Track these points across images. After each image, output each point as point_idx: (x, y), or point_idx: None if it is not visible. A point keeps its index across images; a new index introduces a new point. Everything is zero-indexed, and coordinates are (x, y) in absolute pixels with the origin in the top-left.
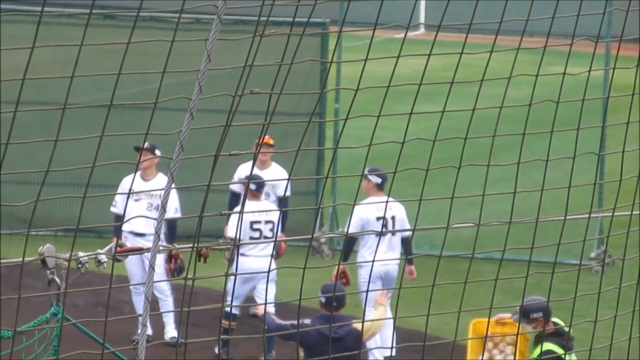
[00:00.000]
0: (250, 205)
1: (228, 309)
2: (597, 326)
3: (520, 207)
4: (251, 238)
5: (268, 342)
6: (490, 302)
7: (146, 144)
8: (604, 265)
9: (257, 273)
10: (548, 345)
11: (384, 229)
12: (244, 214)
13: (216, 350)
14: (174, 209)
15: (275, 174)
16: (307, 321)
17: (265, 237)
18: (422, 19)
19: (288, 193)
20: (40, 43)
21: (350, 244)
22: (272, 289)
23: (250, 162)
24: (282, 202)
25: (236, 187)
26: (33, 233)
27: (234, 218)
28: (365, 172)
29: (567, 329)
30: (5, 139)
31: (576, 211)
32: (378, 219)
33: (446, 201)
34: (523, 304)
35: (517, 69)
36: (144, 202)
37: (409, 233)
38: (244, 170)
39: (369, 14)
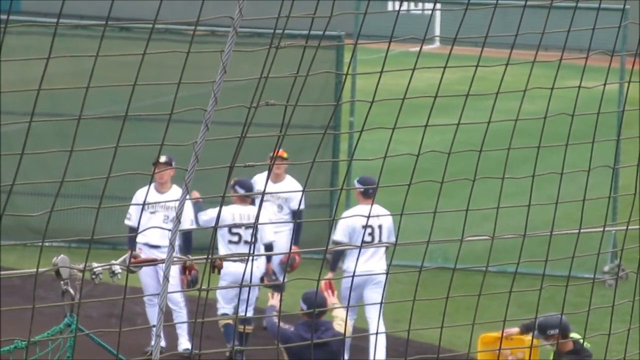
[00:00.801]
0: (235, 208)
1: (222, 310)
2: (611, 339)
3: (534, 221)
4: (229, 242)
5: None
6: (503, 315)
7: (164, 158)
8: (617, 279)
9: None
10: None
11: (370, 237)
12: (223, 219)
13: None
14: (189, 221)
15: (288, 188)
16: (291, 328)
17: (245, 242)
18: (437, 33)
19: (302, 206)
20: (55, 55)
21: (339, 253)
22: (255, 292)
23: (265, 174)
24: (295, 215)
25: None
26: (47, 244)
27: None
28: (355, 181)
29: (582, 341)
30: (20, 150)
31: (590, 225)
32: (364, 227)
33: (460, 215)
34: (540, 321)
35: (532, 83)
36: (160, 214)
37: (392, 241)
38: (258, 181)
39: (384, 27)
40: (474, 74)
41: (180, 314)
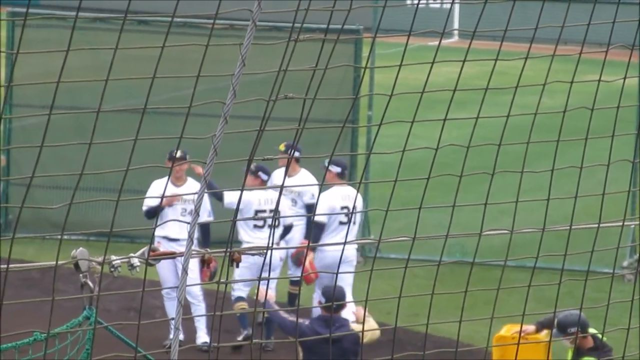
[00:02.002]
0: (259, 192)
1: (239, 292)
2: (629, 335)
3: (552, 216)
4: (255, 226)
5: (267, 328)
6: (522, 310)
7: (179, 153)
8: (636, 274)
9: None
10: None
11: (346, 218)
12: (249, 202)
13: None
14: (207, 213)
15: (303, 181)
16: (306, 322)
17: (269, 226)
18: (456, 27)
19: (314, 200)
20: (74, 47)
21: (319, 231)
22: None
23: (282, 169)
24: (309, 209)
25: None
26: (66, 237)
27: (323, 203)
28: (325, 163)
29: (601, 336)
30: (39, 144)
31: (609, 219)
32: (342, 208)
33: (478, 209)
34: (559, 319)
35: (551, 77)
36: (178, 207)
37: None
38: (276, 176)
39: (402, 21)
40: (493, 68)
41: (199, 308)
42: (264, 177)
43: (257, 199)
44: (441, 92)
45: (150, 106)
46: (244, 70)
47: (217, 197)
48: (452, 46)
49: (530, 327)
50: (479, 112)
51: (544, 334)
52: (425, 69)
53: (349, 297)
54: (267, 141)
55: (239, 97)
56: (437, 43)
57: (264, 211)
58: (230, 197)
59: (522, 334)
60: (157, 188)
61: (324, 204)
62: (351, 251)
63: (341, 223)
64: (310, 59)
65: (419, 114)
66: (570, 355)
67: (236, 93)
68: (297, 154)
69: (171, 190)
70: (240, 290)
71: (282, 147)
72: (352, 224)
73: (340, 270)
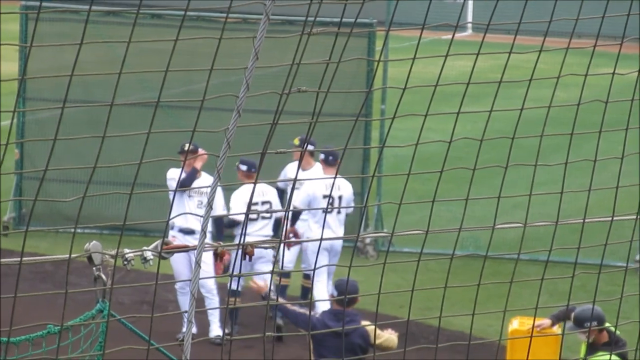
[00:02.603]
0: (247, 187)
1: (233, 285)
2: None
3: (565, 209)
4: (249, 219)
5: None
6: (535, 303)
7: (191, 147)
8: None
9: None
10: (606, 357)
11: (330, 207)
12: (245, 195)
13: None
14: (222, 207)
15: (317, 175)
16: (317, 315)
17: (263, 217)
18: (469, 20)
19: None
20: (88, 42)
21: (296, 216)
22: (268, 269)
23: (296, 163)
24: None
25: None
26: (79, 231)
27: (237, 199)
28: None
29: (614, 330)
30: (52, 137)
31: (622, 213)
32: (325, 197)
33: (492, 203)
34: (576, 312)
35: (565, 71)
36: (194, 199)
37: (351, 211)
38: (289, 170)
39: (415, 15)
40: (507, 61)
41: (213, 301)
42: (243, 167)
43: (255, 192)
44: (455, 85)
45: (163, 100)
46: (257, 64)
47: (229, 225)
48: (466, 40)
49: (546, 322)
50: (493, 106)
51: (557, 328)
52: (439, 62)
53: (326, 288)
54: (280, 135)
55: (253, 91)
56: (450, 36)
57: (256, 204)
58: (236, 217)
59: (538, 329)
60: (175, 174)
61: (304, 191)
62: (339, 242)
63: (324, 212)
64: (323, 52)
65: (432, 107)
66: (584, 349)
67: (249, 86)
68: (311, 147)
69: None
70: (234, 283)
71: (296, 141)
72: (336, 213)
73: (325, 262)
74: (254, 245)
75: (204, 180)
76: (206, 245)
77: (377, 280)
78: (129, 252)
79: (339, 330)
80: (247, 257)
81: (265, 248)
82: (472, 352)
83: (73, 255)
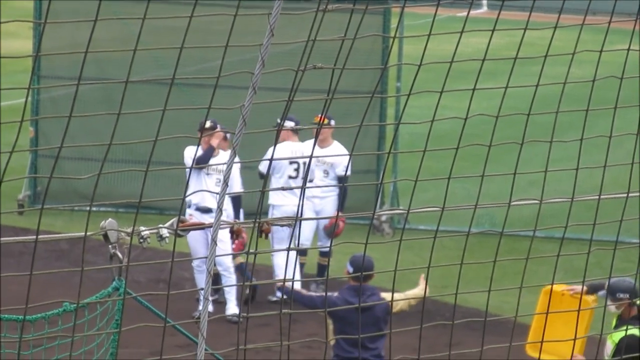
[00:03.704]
0: (289, 144)
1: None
2: None
3: (581, 186)
4: (289, 177)
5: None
6: (551, 280)
7: (209, 123)
8: None
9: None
10: (632, 330)
11: (295, 172)
12: (281, 155)
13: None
14: (239, 185)
15: (336, 152)
16: (335, 294)
17: (303, 178)
18: None
19: (348, 172)
20: (102, 19)
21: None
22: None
23: (312, 140)
24: (341, 181)
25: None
26: (95, 208)
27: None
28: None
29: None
30: (67, 115)
31: (637, 189)
32: (291, 162)
33: (507, 180)
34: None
35: (580, 47)
36: (213, 177)
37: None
38: (308, 147)
39: None
40: (522, 38)
41: (230, 279)
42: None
43: (289, 150)
44: (470, 62)
45: (178, 77)
46: (273, 41)
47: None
48: (481, 17)
49: (580, 288)
50: (508, 83)
51: (592, 300)
52: (454, 39)
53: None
54: (296, 112)
55: (268, 68)
56: (465, 13)
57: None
58: (261, 166)
59: (572, 293)
60: (191, 152)
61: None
62: (330, 202)
63: (290, 177)
64: (338, 29)
65: (447, 84)
66: (614, 323)
67: (265, 63)
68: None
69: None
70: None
71: (317, 119)
72: (301, 179)
73: (310, 230)
74: (270, 222)
75: (224, 157)
76: (222, 223)
77: (393, 258)
78: (144, 230)
79: (362, 305)
80: (264, 235)
81: (282, 226)
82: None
83: (89, 233)
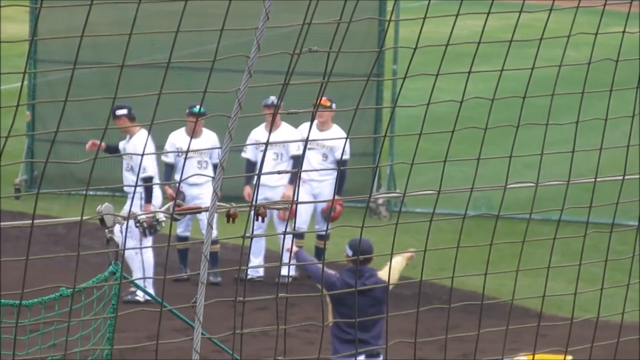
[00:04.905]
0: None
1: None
2: None
3: (577, 168)
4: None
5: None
6: (547, 263)
7: (197, 107)
8: None
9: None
10: None
11: (275, 155)
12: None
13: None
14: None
15: (335, 136)
16: (335, 273)
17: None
18: None
19: (347, 156)
20: (98, 1)
21: (251, 167)
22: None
23: (309, 123)
24: (339, 164)
25: (250, 154)
26: (91, 193)
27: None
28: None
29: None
30: (63, 99)
31: (634, 172)
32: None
33: (504, 163)
34: None
35: (576, 30)
36: (194, 159)
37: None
38: (304, 130)
39: None
40: (517, 20)
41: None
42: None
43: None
44: (466, 45)
45: (174, 61)
46: (268, 24)
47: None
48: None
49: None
50: (504, 65)
51: None
52: (450, 22)
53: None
54: (292, 95)
55: (263, 52)
56: None
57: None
58: (244, 154)
59: None
60: (175, 138)
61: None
62: (326, 185)
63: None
64: (334, 12)
65: (443, 67)
66: None
67: (260, 47)
68: (334, 106)
69: (187, 141)
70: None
71: (326, 103)
72: (279, 161)
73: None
74: (266, 206)
75: (205, 138)
76: (218, 207)
77: (389, 241)
78: (141, 214)
79: (359, 288)
80: (260, 218)
81: (278, 209)
82: (485, 312)
83: (85, 218)
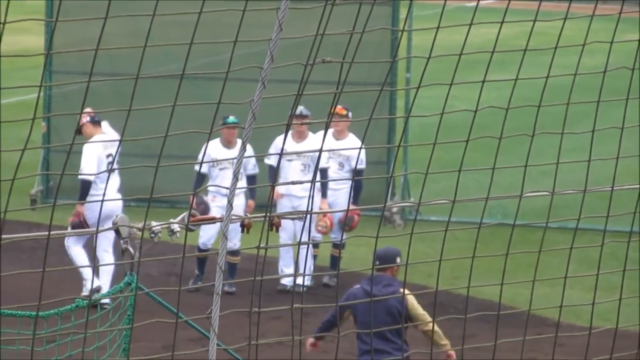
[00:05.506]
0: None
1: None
2: None
3: (593, 176)
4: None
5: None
6: (564, 272)
7: (232, 118)
8: None
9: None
10: None
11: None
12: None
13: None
14: (251, 166)
15: (351, 145)
16: (357, 286)
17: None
18: None
19: (363, 165)
20: (112, 14)
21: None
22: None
23: (323, 132)
24: (356, 174)
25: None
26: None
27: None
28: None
29: None
30: (78, 111)
31: None
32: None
33: (519, 171)
34: None
35: (591, 37)
36: (229, 170)
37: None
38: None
39: None
40: (532, 28)
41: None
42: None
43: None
44: (480, 53)
45: (188, 72)
46: (281, 35)
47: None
48: (490, 7)
49: None
50: (518, 73)
51: None
52: (463, 30)
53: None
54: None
55: (277, 61)
56: (475, 4)
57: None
58: (268, 160)
59: None
60: (210, 150)
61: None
62: (342, 195)
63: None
64: (347, 21)
65: (457, 75)
66: None
67: (274, 57)
68: (350, 115)
69: (223, 152)
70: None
71: (335, 110)
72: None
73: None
74: (281, 216)
75: (239, 149)
76: (232, 217)
77: (404, 250)
78: (156, 225)
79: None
80: (275, 228)
81: (292, 219)
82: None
83: (101, 229)
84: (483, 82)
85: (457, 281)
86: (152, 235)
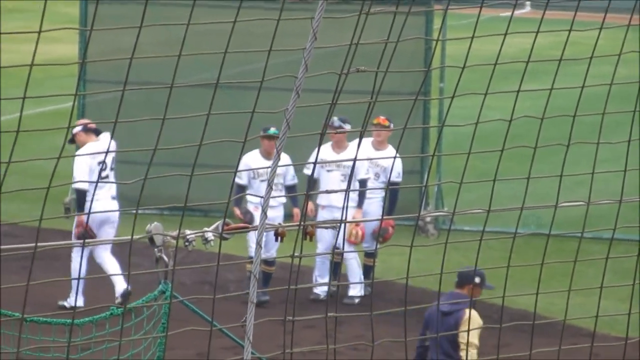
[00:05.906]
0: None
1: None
2: None
3: (628, 186)
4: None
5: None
6: (600, 282)
7: (273, 129)
8: None
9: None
10: None
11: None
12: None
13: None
14: (290, 176)
15: (389, 155)
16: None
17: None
18: None
19: (399, 179)
20: (146, 23)
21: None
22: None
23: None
24: (391, 185)
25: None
26: (140, 212)
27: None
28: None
29: None
30: (112, 120)
31: None
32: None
33: (554, 180)
34: None
35: (626, 47)
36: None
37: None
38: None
39: None
40: (567, 38)
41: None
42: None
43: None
44: (514, 63)
45: (221, 81)
46: (316, 44)
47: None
48: (524, 17)
49: None
50: (553, 83)
51: None
52: (498, 40)
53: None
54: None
55: (311, 70)
56: (509, 14)
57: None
58: (307, 170)
59: None
60: (250, 160)
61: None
62: (374, 205)
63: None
64: (381, 31)
65: (491, 85)
66: None
67: (308, 67)
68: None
69: (262, 163)
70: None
71: (377, 121)
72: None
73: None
74: (315, 225)
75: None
76: (267, 226)
77: (438, 259)
78: (190, 233)
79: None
80: (309, 237)
81: (326, 228)
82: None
83: (135, 237)
84: (518, 91)
85: (492, 291)
86: (187, 243)
